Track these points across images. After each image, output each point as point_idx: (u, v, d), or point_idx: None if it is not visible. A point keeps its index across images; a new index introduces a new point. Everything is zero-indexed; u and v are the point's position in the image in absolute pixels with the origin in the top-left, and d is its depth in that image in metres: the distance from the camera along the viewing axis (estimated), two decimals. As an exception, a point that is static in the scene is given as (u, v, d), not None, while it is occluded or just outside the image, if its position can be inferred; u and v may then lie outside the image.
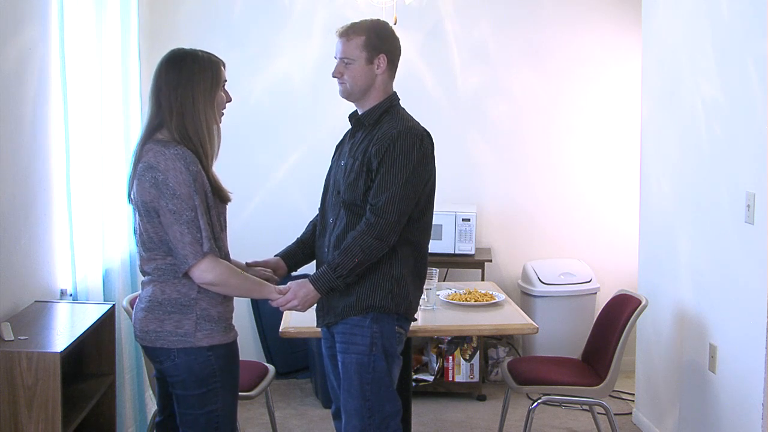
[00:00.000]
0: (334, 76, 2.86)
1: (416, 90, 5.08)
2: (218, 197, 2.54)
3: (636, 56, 4.73)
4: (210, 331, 2.50)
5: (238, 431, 2.71)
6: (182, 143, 2.46)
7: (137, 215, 2.52)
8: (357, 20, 2.90)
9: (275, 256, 3.03)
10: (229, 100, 2.62)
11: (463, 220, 4.88)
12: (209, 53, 2.58)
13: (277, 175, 5.19)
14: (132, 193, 2.51)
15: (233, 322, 2.63)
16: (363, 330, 2.78)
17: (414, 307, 2.90)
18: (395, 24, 4.26)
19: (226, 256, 2.61)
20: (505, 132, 5.26)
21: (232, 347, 2.58)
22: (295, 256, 3.04)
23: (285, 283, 2.79)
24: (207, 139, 2.50)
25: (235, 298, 2.65)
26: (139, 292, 3.61)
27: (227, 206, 2.62)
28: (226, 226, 2.62)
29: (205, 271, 2.44)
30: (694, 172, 3.68)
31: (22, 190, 3.05)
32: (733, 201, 3.25)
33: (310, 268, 3.01)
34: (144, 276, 2.57)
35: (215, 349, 2.51)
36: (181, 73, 2.49)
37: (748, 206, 3.12)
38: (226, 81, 2.60)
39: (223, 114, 2.61)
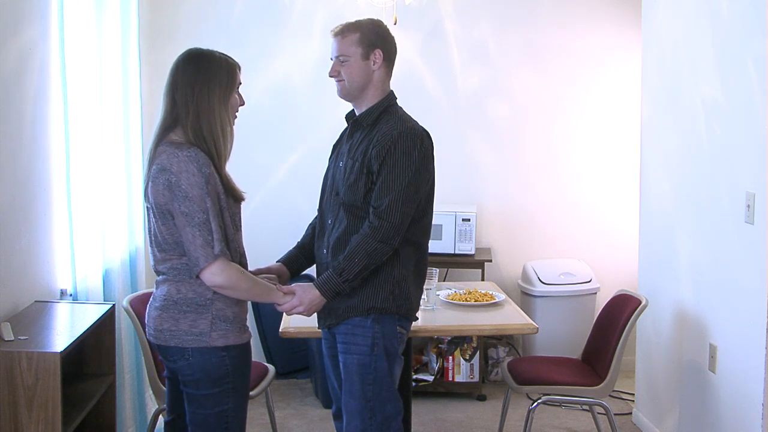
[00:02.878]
0: (331, 76, 2.85)
1: (416, 90, 5.09)
2: (232, 197, 2.54)
3: (636, 56, 4.73)
4: (225, 331, 2.50)
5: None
6: (196, 144, 2.46)
7: (152, 216, 2.51)
8: (349, 20, 2.90)
9: (277, 262, 3.02)
10: (242, 103, 2.62)
11: (463, 220, 4.88)
12: (226, 55, 2.59)
13: (277, 175, 5.19)
14: (147, 194, 2.52)
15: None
16: (364, 330, 2.77)
17: (415, 307, 2.89)
18: (395, 24, 4.26)
19: (242, 256, 2.60)
20: (505, 132, 5.26)
21: (245, 348, 2.58)
22: (297, 260, 3.03)
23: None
24: (221, 139, 2.50)
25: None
26: (140, 292, 3.63)
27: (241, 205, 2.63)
28: (241, 226, 2.61)
29: (215, 274, 2.44)
30: (694, 172, 3.68)
31: (22, 190, 3.05)
32: (733, 201, 3.25)
33: (312, 270, 3.01)
34: (158, 276, 2.57)
35: (229, 349, 2.51)
36: (198, 71, 2.50)
37: (748, 206, 3.11)
38: (240, 84, 2.60)
39: (236, 117, 2.62)
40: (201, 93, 2.49)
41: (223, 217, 2.48)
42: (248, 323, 2.64)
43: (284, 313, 2.83)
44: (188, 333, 2.48)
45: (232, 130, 2.57)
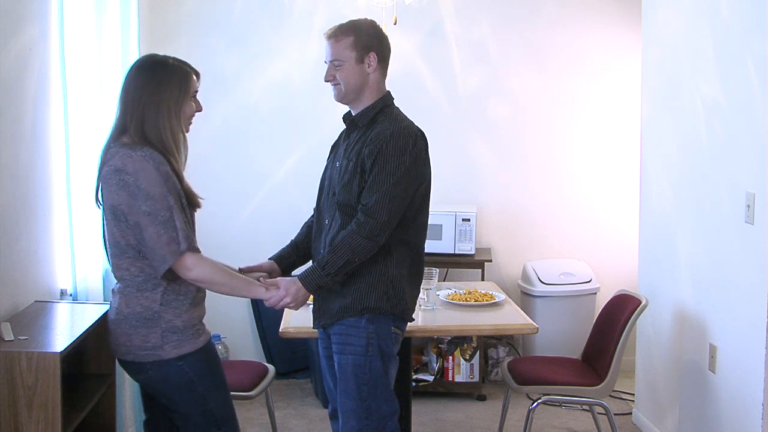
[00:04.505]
0: (326, 81, 2.85)
1: (416, 90, 5.08)
2: (188, 203, 2.53)
3: (636, 56, 4.73)
4: (177, 342, 2.50)
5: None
6: (147, 146, 2.45)
7: (104, 219, 2.50)
8: (344, 21, 2.88)
9: (269, 259, 3.02)
10: (199, 110, 2.60)
11: (463, 220, 4.87)
12: (181, 62, 2.57)
13: (276, 175, 5.19)
14: (98, 197, 2.50)
15: (205, 323, 2.63)
16: (359, 331, 2.77)
17: (411, 307, 2.89)
18: (395, 24, 4.26)
19: None
20: (505, 132, 5.26)
21: (204, 351, 2.57)
22: (288, 258, 3.03)
23: None
24: (173, 146, 2.48)
25: (206, 302, 2.66)
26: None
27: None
28: (194, 231, 2.60)
29: (188, 269, 2.44)
30: (694, 172, 3.67)
31: (22, 190, 3.05)
32: (733, 201, 3.25)
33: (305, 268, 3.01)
34: (116, 282, 2.57)
35: (186, 357, 2.51)
36: (150, 80, 2.49)
37: (748, 206, 3.11)
38: (197, 91, 2.58)
39: (191, 124, 2.60)
40: (149, 102, 2.46)
41: (186, 214, 2.47)
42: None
43: (276, 308, 2.83)
44: (142, 348, 2.48)
45: (185, 138, 2.55)
